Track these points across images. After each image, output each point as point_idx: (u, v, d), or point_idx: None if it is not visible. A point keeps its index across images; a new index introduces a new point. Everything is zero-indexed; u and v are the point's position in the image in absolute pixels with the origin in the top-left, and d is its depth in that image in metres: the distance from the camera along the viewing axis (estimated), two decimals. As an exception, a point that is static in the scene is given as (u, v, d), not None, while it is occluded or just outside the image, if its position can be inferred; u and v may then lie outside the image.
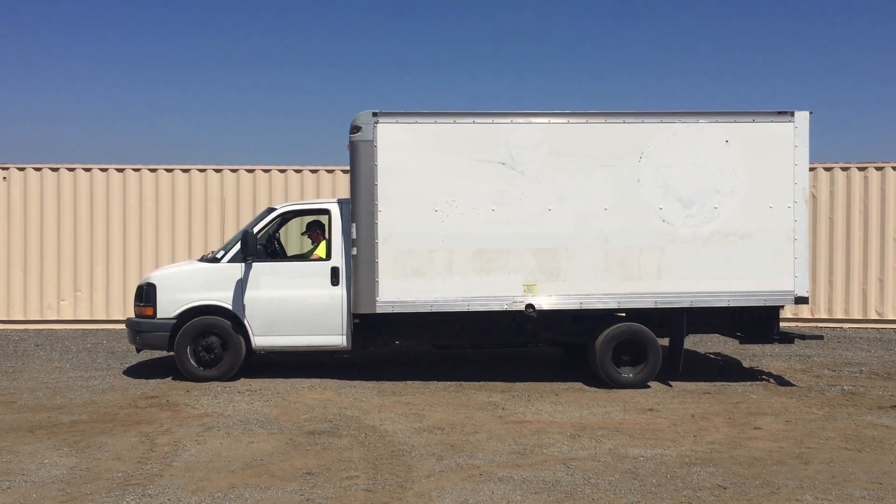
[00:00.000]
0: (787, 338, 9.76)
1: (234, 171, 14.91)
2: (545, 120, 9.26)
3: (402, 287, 9.10)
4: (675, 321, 9.48)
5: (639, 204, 9.21)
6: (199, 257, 10.77)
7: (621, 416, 7.93)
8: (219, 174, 14.89)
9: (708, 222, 9.22)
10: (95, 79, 35.60)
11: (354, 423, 7.52)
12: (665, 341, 9.64)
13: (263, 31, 37.56)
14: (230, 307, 9.43)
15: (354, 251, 9.12)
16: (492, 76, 38.49)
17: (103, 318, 14.62)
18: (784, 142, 9.28)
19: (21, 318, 14.56)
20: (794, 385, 9.58)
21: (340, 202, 9.76)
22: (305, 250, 10.45)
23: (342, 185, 14.45)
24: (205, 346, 9.44)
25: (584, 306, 9.25)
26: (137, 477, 5.82)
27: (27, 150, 39.61)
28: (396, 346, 9.84)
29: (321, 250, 9.72)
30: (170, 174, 14.82)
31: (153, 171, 14.80)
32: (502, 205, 9.15)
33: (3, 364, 10.94)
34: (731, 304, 9.33)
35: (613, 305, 9.30)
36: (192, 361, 9.47)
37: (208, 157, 36.50)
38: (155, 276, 9.76)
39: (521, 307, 9.17)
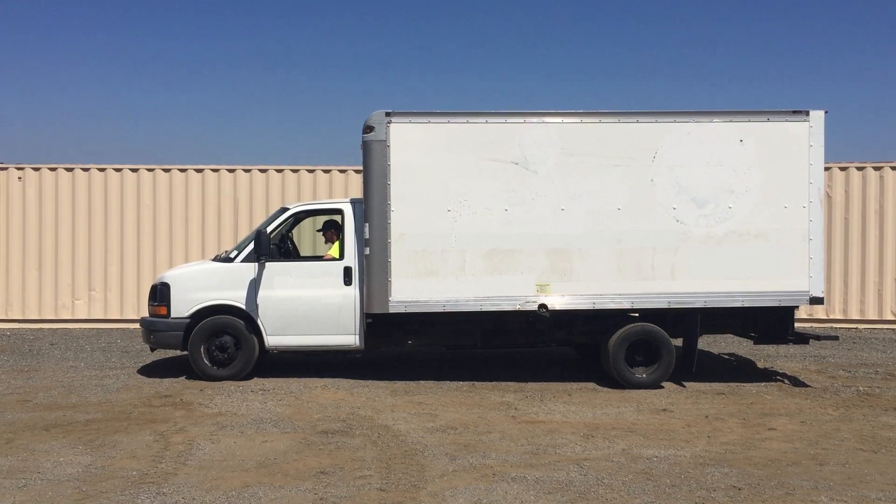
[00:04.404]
0: (802, 338, 9.69)
1: (247, 170, 14.96)
2: (558, 120, 9.24)
3: (414, 287, 9.10)
4: (688, 321, 9.43)
5: (652, 204, 9.17)
6: (213, 257, 10.81)
7: (634, 416, 7.90)
8: (232, 174, 14.94)
9: (722, 222, 9.18)
10: (109, 80, 35.84)
11: (367, 423, 7.53)
12: (679, 342, 9.60)
13: (277, 32, 37.70)
14: (243, 307, 9.45)
15: (367, 251, 9.13)
16: (505, 76, 38.48)
17: (117, 317, 14.71)
18: (799, 141, 9.22)
19: (36, 317, 14.67)
20: (809, 386, 9.51)
21: (353, 202, 9.77)
22: (321, 248, 10.45)
23: (355, 185, 14.47)
24: (218, 346, 9.48)
25: (597, 306, 9.22)
26: (152, 475, 5.85)
27: (42, 151, 39.93)
28: (409, 346, 9.84)
29: (334, 250, 9.74)
30: (183, 174, 14.89)
31: (167, 171, 14.88)
32: (515, 205, 9.13)
33: (18, 363, 11.02)
34: (746, 305, 9.27)
35: (627, 305, 9.27)
36: (205, 360, 9.50)
37: (221, 157, 36.73)
38: (169, 276, 9.80)
39: (534, 307, 9.15)
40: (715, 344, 12.67)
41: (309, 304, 9.47)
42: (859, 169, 14.65)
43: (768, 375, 10.21)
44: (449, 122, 9.17)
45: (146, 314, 10.04)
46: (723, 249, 9.17)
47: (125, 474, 5.88)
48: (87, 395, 8.77)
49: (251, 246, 9.47)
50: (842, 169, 14.67)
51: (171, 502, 5.28)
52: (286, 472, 5.97)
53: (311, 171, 15.05)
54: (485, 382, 9.57)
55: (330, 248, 9.90)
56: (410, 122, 9.14)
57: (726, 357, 11.69)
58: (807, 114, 9.23)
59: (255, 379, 9.60)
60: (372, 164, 9.12)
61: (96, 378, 9.81)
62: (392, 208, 9.08)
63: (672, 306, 9.23)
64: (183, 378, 9.71)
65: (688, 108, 9.29)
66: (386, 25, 38.24)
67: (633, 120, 9.24)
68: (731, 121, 9.23)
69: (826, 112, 9.23)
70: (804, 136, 9.22)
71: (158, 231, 14.80)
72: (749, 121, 9.24)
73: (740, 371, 10.57)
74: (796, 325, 9.96)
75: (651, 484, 5.71)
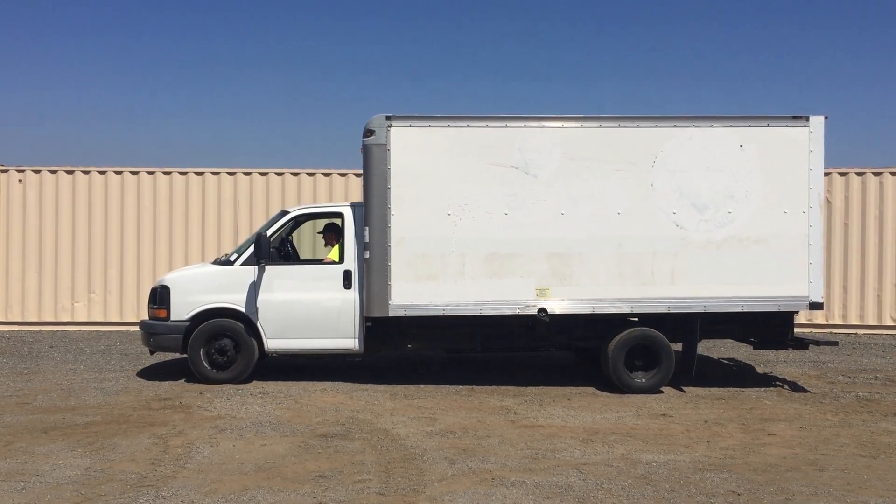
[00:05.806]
0: (802, 343, 9.69)
1: (247, 174, 14.98)
2: (559, 124, 9.24)
3: (414, 290, 9.10)
4: (688, 326, 9.42)
5: (652, 208, 9.17)
6: (213, 260, 10.80)
7: (634, 421, 7.90)
8: (232, 177, 14.96)
9: (722, 227, 9.18)
10: (110, 81, 35.88)
11: (367, 427, 7.53)
12: (678, 346, 9.59)
13: (278, 34, 37.75)
14: (243, 310, 9.45)
15: (367, 254, 9.13)
16: (506, 80, 38.52)
17: (117, 319, 14.72)
18: (799, 147, 9.22)
19: (35, 319, 14.68)
20: (809, 391, 9.51)
21: (353, 206, 9.77)
22: (321, 251, 10.45)
23: (355, 189, 14.48)
24: (218, 349, 9.47)
25: (597, 311, 9.22)
26: (151, 478, 5.84)
27: (43, 153, 39.95)
28: (408, 350, 9.84)
29: (334, 254, 9.74)
30: (183, 177, 14.90)
31: (167, 173, 14.89)
32: (515, 209, 9.14)
33: (17, 365, 11.01)
34: (746, 310, 9.26)
35: (626, 310, 9.27)
36: (205, 364, 9.50)
37: (222, 159, 36.74)
38: (169, 279, 9.80)
39: (534, 311, 9.15)
40: (714, 349, 12.67)
41: (309, 307, 9.47)
42: (859, 174, 14.66)
43: (768, 381, 10.21)
44: (449, 126, 9.18)
45: (146, 317, 10.04)
46: (722, 254, 9.17)
47: (124, 477, 5.87)
48: (86, 398, 8.77)
49: (251, 249, 9.47)
50: (841, 174, 14.69)
51: (170, 505, 5.28)
52: (285, 475, 5.96)
53: (311, 175, 15.06)
54: (484, 386, 9.56)
55: (330, 252, 9.90)
56: (411, 126, 9.15)
57: (726, 362, 11.69)
58: (807, 119, 9.24)
59: (255, 382, 9.60)
60: (372, 167, 9.13)
61: (95, 381, 9.80)
62: (392, 212, 9.08)
63: (672, 311, 9.23)
64: (182, 381, 9.70)
65: (688, 114, 9.31)
66: (387, 28, 38.31)
67: (634, 125, 9.24)
68: (731, 126, 9.24)
69: (826, 117, 9.25)
70: (804, 142, 9.22)
71: (158, 234, 14.81)
72: (749, 126, 9.24)
73: (740, 376, 10.57)
74: (796, 330, 9.94)
75: (650, 489, 5.71)
